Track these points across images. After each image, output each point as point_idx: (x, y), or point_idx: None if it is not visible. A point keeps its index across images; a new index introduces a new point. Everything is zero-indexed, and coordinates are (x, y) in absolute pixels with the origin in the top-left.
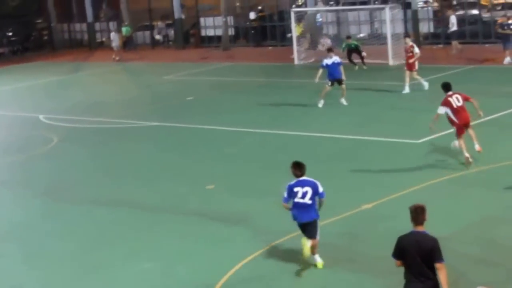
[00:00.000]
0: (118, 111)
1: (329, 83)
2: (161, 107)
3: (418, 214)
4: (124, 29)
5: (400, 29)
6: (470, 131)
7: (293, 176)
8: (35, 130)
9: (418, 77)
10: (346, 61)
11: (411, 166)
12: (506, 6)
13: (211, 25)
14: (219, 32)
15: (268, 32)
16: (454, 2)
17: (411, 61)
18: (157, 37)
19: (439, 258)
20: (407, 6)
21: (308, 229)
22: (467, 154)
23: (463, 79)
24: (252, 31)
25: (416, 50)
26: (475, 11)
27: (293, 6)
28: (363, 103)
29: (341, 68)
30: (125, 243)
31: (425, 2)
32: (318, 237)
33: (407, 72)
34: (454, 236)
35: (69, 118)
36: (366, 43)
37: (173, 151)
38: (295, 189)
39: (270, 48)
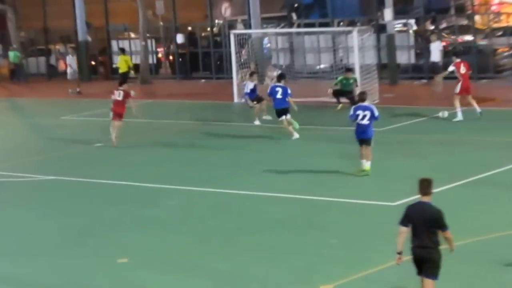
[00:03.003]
0: (2, 161)
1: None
2: (59, 157)
3: (424, 186)
4: (11, 54)
5: (371, 59)
6: None
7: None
8: None
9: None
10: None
11: (384, 236)
12: (508, 31)
13: (126, 51)
14: (136, 59)
15: (200, 61)
16: (442, 25)
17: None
18: None
19: (444, 227)
20: (380, 29)
21: (365, 142)
22: None
23: (451, 126)
24: (180, 59)
25: (450, 68)
26: (468, 37)
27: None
28: (321, 153)
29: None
30: None
31: (405, 25)
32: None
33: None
34: None
35: None
36: (326, 77)
37: (75, 214)
38: (357, 112)
39: (203, 81)
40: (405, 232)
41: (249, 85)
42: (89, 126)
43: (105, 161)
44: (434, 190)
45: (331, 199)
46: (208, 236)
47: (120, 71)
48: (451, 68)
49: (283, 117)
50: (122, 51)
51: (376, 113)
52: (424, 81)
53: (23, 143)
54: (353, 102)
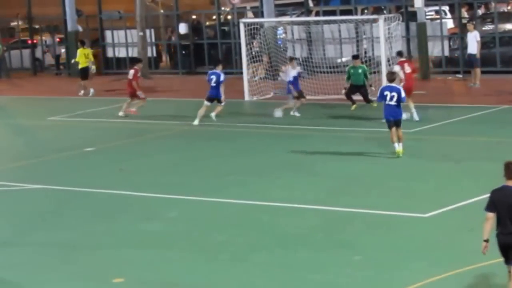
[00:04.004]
0: None
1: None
2: (45, 163)
3: (510, 170)
4: None
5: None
6: None
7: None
8: None
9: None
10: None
11: (415, 252)
12: None
13: (122, 42)
14: (133, 52)
15: (205, 54)
16: (479, 12)
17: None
18: None
19: None
20: (410, 17)
21: (395, 124)
22: None
23: (492, 127)
24: (183, 52)
25: (395, 68)
26: (510, 26)
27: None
28: (343, 157)
29: None
30: None
31: (437, 12)
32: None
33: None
34: None
35: None
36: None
37: (63, 228)
38: (385, 93)
39: None
40: (491, 218)
41: (291, 72)
42: (79, 128)
43: (96, 168)
44: (467, 201)
45: (355, 210)
46: (214, 254)
47: (80, 66)
48: (396, 68)
49: (208, 102)
50: (82, 43)
51: (403, 94)
52: (459, 76)
53: (4, 147)
54: (366, 99)
